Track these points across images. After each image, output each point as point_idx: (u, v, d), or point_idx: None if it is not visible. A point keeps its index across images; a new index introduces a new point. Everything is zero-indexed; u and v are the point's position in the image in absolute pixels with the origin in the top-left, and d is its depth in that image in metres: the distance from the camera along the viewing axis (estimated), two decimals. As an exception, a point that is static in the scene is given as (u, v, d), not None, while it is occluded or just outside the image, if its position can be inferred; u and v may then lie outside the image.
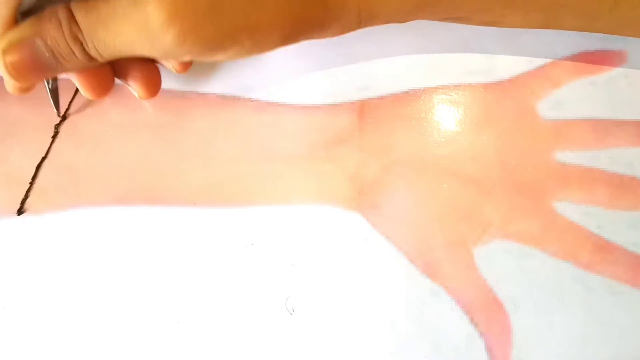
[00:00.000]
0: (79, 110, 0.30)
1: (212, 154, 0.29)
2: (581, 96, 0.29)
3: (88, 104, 0.30)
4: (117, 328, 0.26)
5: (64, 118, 0.30)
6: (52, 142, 0.29)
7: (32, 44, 0.22)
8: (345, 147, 0.28)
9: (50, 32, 0.22)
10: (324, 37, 0.25)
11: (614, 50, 0.30)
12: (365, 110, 0.29)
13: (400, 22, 0.26)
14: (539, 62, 0.30)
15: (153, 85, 0.27)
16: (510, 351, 0.25)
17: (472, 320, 0.25)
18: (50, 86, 0.28)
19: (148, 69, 0.26)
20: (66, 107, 0.29)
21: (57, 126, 0.29)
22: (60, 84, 0.28)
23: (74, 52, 0.23)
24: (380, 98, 0.30)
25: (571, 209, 0.27)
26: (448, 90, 0.30)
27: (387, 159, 0.28)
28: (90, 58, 0.23)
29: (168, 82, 0.30)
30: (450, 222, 0.27)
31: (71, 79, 0.25)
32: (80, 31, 0.22)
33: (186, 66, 0.27)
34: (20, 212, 0.28)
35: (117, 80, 0.30)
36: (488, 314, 0.25)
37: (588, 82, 0.29)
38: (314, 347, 0.25)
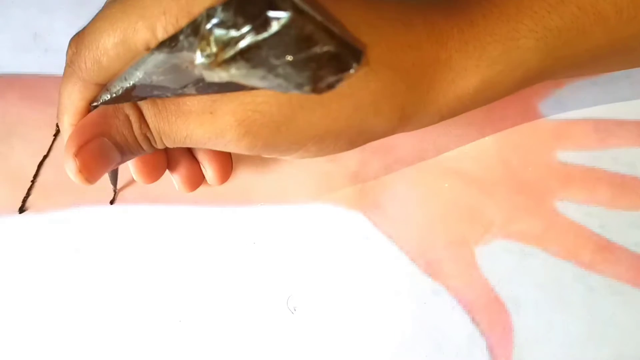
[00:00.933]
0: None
1: (214, 153, 0.29)
2: (583, 96, 0.29)
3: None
4: (119, 326, 0.26)
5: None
6: (54, 140, 0.29)
7: (100, 143, 0.22)
8: (347, 146, 0.28)
9: (119, 129, 0.22)
10: (397, 132, 0.24)
11: (616, 50, 0.30)
12: (367, 109, 0.29)
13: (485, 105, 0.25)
14: (541, 61, 0.30)
15: (195, 182, 0.26)
16: (512, 350, 0.25)
17: (473, 319, 0.25)
18: None
19: (194, 167, 0.26)
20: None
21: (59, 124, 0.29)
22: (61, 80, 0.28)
23: (141, 146, 0.23)
24: (382, 97, 0.29)
25: (573, 208, 0.27)
26: (450, 89, 0.30)
27: (388, 158, 0.28)
28: (156, 149, 0.23)
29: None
30: (452, 221, 0.27)
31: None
32: (149, 129, 0.22)
33: (223, 178, 0.27)
34: (22, 210, 0.28)
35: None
36: (489, 314, 0.25)
37: (590, 82, 0.29)
38: (316, 345, 0.25)
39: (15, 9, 0.31)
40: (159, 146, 0.23)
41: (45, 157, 0.29)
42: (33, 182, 0.28)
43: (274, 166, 0.28)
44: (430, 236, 0.27)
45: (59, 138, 0.29)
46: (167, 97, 0.21)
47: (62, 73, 0.23)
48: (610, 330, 0.25)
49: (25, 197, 0.28)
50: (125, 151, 0.22)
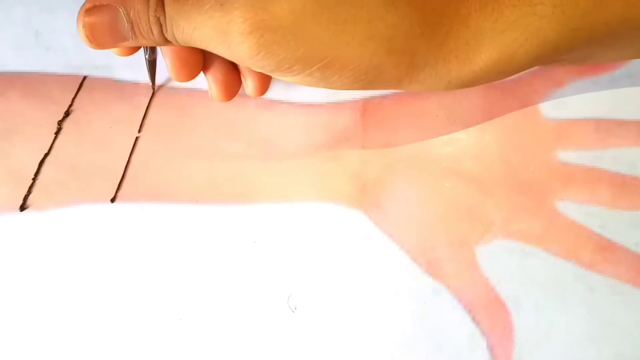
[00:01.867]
0: (82, 107, 0.30)
1: (215, 152, 0.29)
2: (584, 96, 0.29)
3: (91, 100, 0.30)
4: (120, 324, 0.26)
5: (66, 114, 0.30)
6: (55, 138, 0.29)
7: (114, 10, 0.22)
8: (348, 145, 0.28)
9: (136, 6, 0.22)
10: (400, 90, 0.24)
11: (617, 50, 0.30)
12: (368, 108, 0.29)
13: (498, 80, 0.24)
14: (542, 61, 0.30)
15: (230, 90, 0.26)
16: (512, 350, 0.25)
17: (474, 319, 0.25)
18: (148, 57, 0.27)
19: (231, 73, 0.26)
20: (70, 102, 0.29)
21: (60, 122, 0.29)
22: (62, 79, 0.28)
23: (152, 31, 0.23)
24: (383, 97, 0.30)
25: (573, 208, 0.27)
26: (451, 89, 0.30)
27: (389, 158, 0.28)
28: (166, 40, 0.23)
29: (172, 80, 0.30)
30: (453, 221, 0.27)
31: (163, 55, 0.25)
32: (164, 14, 0.22)
33: (262, 90, 0.26)
34: (23, 208, 0.28)
35: (121, 78, 0.30)
36: (490, 313, 0.25)
37: (591, 82, 0.29)
38: (316, 344, 0.25)
39: (16, 7, 0.31)
40: (169, 36, 0.23)
41: (46, 155, 0.29)
42: (34, 180, 0.28)
43: (275, 165, 0.28)
44: (430, 235, 0.27)
45: (60, 136, 0.29)
46: None
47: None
48: (610, 330, 0.25)
49: (26, 195, 0.28)
50: (136, 30, 0.23)
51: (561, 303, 0.25)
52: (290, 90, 0.30)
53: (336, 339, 0.25)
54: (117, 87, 0.30)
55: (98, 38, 0.23)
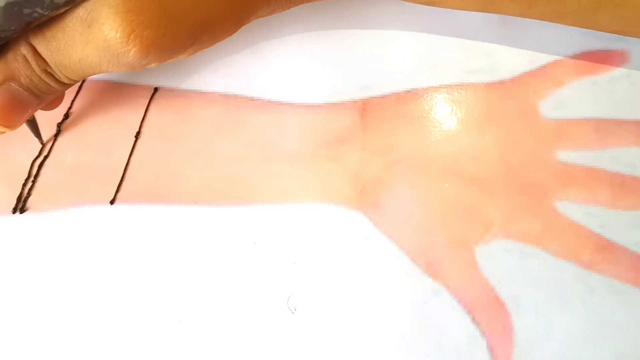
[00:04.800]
0: (81, 109, 0.30)
1: (214, 153, 0.29)
2: (583, 96, 0.29)
3: (90, 102, 0.30)
4: (118, 326, 0.26)
5: (66, 116, 0.30)
6: (55, 140, 0.29)
7: (7, 88, 0.22)
8: (348, 146, 0.28)
9: (21, 71, 0.22)
10: (273, 12, 0.25)
11: (616, 50, 0.30)
12: (367, 109, 0.29)
13: None
14: (541, 61, 0.30)
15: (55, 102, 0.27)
16: (512, 351, 0.25)
17: (473, 319, 0.25)
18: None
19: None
20: (69, 104, 0.30)
21: (60, 124, 0.29)
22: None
23: (49, 84, 0.23)
24: (383, 97, 0.30)
25: (573, 208, 0.27)
26: (450, 89, 0.30)
27: (389, 158, 0.28)
28: (65, 84, 0.23)
29: (170, 81, 0.30)
30: (452, 221, 0.27)
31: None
32: (47, 64, 0.22)
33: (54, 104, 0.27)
34: (22, 210, 0.28)
35: (119, 80, 0.30)
36: (490, 314, 0.25)
37: (590, 82, 0.29)
38: (316, 346, 0.25)
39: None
40: (64, 79, 0.23)
41: (46, 157, 0.29)
42: (33, 182, 0.28)
43: (274, 166, 0.28)
44: (430, 236, 0.27)
45: (59, 138, 0.29)
46: (42, 16, 0.20)
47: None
48: (610, 330, 0.25)
49: (25, 197, 0.28)
50: (36, 92, 0.23)
51: (561, 303, 0.25)
52: (289, 91, 0.30)
53: (336, 340, 0.25)
54: (116, 89, 0.30)
55: (10, 119, 0.23)
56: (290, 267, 0.26)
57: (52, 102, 0.26)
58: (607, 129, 0.28)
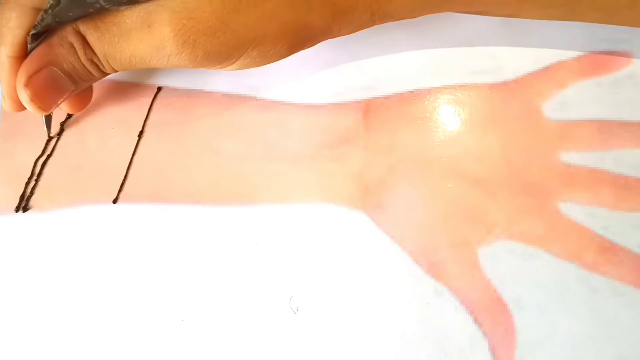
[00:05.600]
0: (84, 109, 0.30)
1: (217, 153, 0.29)
2: (586, 97, 0.29)
3: (93, 102, 0.30)
4: (121, 325, 0.26)
5: (69, 116, 0.30)
6: (58, 139, 0.29)
7: (49, 72, 0.23)
8: (350, 146, 0.28)
9: (66, 57, 0.23)
10: (335, 37, 0.25)
11: (620, 51, 0.30)
12: (370, 109, 0.29)
13: (416, 17, 0.26)
14: (545, 62, 0.30)
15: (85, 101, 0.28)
16: (514, 351, 0.25)
17: (476, 320, 0.25)
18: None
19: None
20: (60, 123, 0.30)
21: (63, 124, 0.29)
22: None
23: (91, 72, 0.24)
24: (386, 97, 0.30)
25: (576, 209, 0.27)
26: (453, 90, 0.30)
27: (392, 159, 0.28)
28: (105, 74, 0.24)
29: (174, 81, 0.30)
30: (455, 222, 0.27)
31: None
32: (95, 54, 0.23)
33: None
34: (24, 208, 0.28)
35: (122, 79, 0.30)
36: (492, 314, 0.25)
37: (594, 83, 0.29)
38: (318, 346, 0.25)
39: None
40: (108, 70, 0.24)
41: (49, 156, 0.29)
42: (36, 181, 0.28)
43: (277, 166, 0.28)
44: (433, 237, 0.27)
45: (62, 137, 0.29)
46: (102, 8, 0.21)
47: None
48: (613, 331, 0.25)
49: (28, 196, 0.28)
50: (76, 78, 0.23)
51: (563, 304, 0.25)
52: (292, 91, 0.30)
53: (338, 340, 0.25)
54: (119, 88, 0.30)
55: (46, 102, 0.24)
56: (293, 267, 0.26)
57: (81, 103, 0.27)
58: (610, 130, 0.28)
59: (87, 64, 0.23)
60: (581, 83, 0.29)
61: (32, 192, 0.28)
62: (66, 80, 0.23)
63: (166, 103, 0.30)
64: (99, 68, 0.23)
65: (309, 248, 0.27)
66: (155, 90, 0.30)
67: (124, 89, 0.30)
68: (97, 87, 0.30)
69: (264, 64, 0.24)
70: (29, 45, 0.23)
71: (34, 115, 0.29)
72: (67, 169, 0.28)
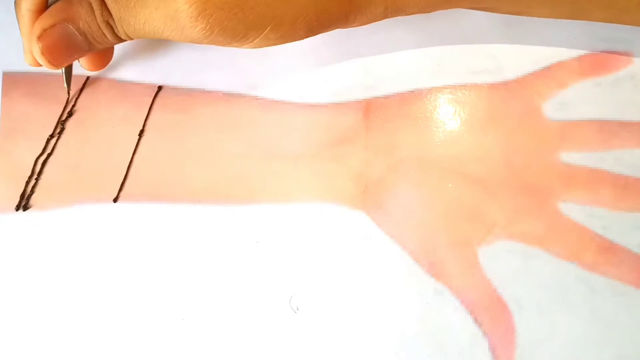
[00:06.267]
0: (85, 107, 0.30)
1: (217, 152, 0.29)
2: (587, 97, 0.29)
3: (94, 100, 0.30)
4: (121, 324, 0.26)
5: (70, 114, 0.30)
6: (59, 138, 0.29)
7: (64, 28, 0.23)
8: (351, 146, 0.28)
9: (83, 16, 0.23)
10: (348, 27, 0.25)
11: (620, 51, 0.30)
12: (370, 109, 0.29)
13: (428, 12, 0.26)
14: (545, 62, 0.30)
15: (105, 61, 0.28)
16: (514, 351, 0.25)
17: (476, 320, 0.25)
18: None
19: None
20: (72, 103, 0.30)
21: (64, 122, 0.29)
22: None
23: (105, 35, 0.24)
24: (386, 97, 0.30)
25: (576, 209, 0.27)
26: (454, 90, 0.30)
27: (392, 158, 0.28)
28: (119, 39, 0.24)
29: (174, 80, 0.30)
30: (455, 222, 0.27)
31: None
32: (111, 16, 0.23)
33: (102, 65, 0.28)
34: (25, 207, 0.28)
35: (123, 78, 0.30)
36: (492, 314, 0.25)
37: (594, 83, 0.29)
38: (318, 345, 0.25)
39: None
40: (122, 34, 0.23)
41: (49, 154, 0.29)
42: (37, 179, 0.28)
43: (277, 165, 0.28)
44: (433, 236, 0.27)
45: (63, 136, 0.29)
46: None
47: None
48: (612, 331, 0.25)
49: (29, 195, 0.28)
50: (90, 39, 0.24)
51: (563, 304, 0.25)
52: (292, 90, 0.30)
53: (338, 339, 0.25)
54: (120, 87, 0.30)
55: (57, 58, 0.24)
56: (293, 266, 0.26)
57: (100, 62, 0.27)
58: (610, 130, 0.28)
59: (103, 26, 0.23)
60: (581, 83, 0.29)
61: (32, 191, 0.28)
62: (80, 39, 0.23)
63: (167, 102, 0.30)
64: (114, 32, 0.23)
65: (309, 247, 0.27)
66: (156, 89, 0.30)
67: (125, 88, 0.30)
68: (98, 86, 0.30)
69: (279, 44, 0.24)
70: (49, 0, 0.23)
71: (35, 114, 0.29)
72: (68, 168, 0.28)
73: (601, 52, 0.30)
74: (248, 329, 0.25)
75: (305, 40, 0.25)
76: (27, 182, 0.28)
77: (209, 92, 0.30)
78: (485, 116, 0.29)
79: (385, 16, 0.25)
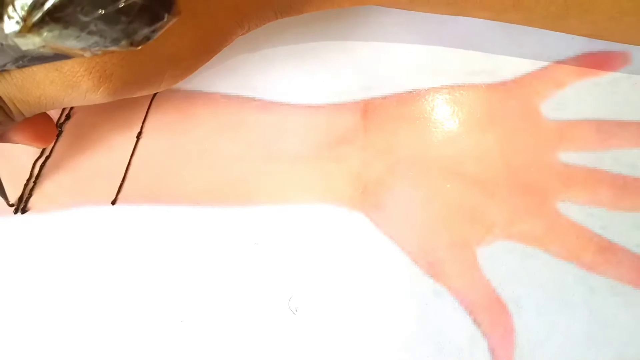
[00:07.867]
0: (83, 109, 0.30)
1: (215, 154, 0.29)
2: (585, 97, 0.29)
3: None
4: (120, 327, 0.26)
5: (68, 117, 0.30)
6: (56, 141, 0.29)
7: None
8: (349, 147, 0.28)
9: None
10: (244, 35, 0.26)
11: (618, 51, 0.30)
12: (369, 110, 0.29)
13: (316, 11, 0.26)
14: (543, 63, 0.30)
15: (50, 134, 0.26)
16: (513, 351, 0.25)
17: (475, 320, 0.25)
18: None
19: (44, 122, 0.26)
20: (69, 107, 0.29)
21: (62, 125, 0.29)
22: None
23: None
24: (384, 98, 0.30)
25: (574, 209, 0.27)
26: (452, 90, 0.30)
27: (390, 159, 0.28)
28: (12, 120, 0.23)
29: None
30: (454, 222, 0.27)
31: (13, 140, 0.25)
32: (1, 99, 0.22)
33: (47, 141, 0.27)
34: (23, 210, 0.28)
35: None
36: (491, 315, 0.25)
37: (592, 83, 0.29)
38: (317, 346, 0.25)
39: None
40: (17, 116, 0.22)
41: (47, 157, 0.29)
42: (35, 182, 0.28)
43: (276, 166, 0.28)
44: (432, 237, 0.27)
45: (61, 139, 0.29)
46: (10, 68, 0.20)
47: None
48: (611, 331, 0.25)
49: (27, 198, 0.28)
50: None
51: (562, 304, 0.25)
52: (291, 91, 0.30)
53: (337, 341, 0.25)
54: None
55: None
56: (292, 267, 0.26)
57: (44, 140, 0.26)
58: (608, 130, 0.28)
59: None
60: (579, 83, 0.29)
61: (30, 194, 0.28)
62: None
63: (165, 104, 0.30)
64: (6, 113, 0.22)
65: (308, 249, 0.27)
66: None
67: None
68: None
69: (188, 76, 0.24)
70: None
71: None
72: (66, 171, 0.28)
73: (599, 52, 0.30)
74: (247, 330, 0.25)
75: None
76: (26, 185, 0.28)
77: (207, 93, 0.30)
78: (484, 116, 0.29)
79: (276, 17, 0.26)
